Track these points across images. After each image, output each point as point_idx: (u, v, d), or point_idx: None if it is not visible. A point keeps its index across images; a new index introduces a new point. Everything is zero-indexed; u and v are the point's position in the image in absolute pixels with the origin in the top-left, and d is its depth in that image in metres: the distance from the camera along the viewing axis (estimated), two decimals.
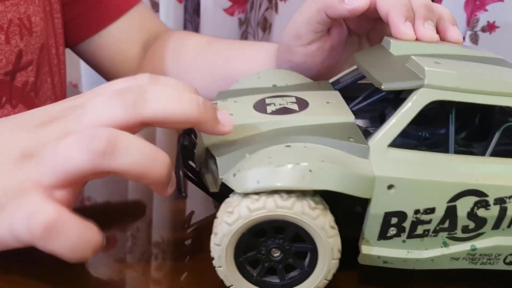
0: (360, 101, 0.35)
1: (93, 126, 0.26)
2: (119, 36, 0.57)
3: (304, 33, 0.41)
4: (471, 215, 0.28)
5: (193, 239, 0.35)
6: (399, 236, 0.28)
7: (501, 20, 0.77)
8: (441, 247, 0.29)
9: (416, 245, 0.29)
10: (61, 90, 0.56)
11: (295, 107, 0.33)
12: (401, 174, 0.27)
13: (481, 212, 0.28)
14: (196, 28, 0.96)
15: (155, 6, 0.93)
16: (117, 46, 0.58)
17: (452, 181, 0.27)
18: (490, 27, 0.78)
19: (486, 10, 0.78)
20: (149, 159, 0.25)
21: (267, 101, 0.34)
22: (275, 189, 0.26)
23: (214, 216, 0.28)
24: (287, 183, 0.26)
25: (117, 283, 0.31)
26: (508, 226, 0.29)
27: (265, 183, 0.26)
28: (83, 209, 0.38)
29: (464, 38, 0.82)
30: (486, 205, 0.28)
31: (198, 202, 0.39)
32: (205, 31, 0.89)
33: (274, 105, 0.33)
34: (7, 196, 0.25)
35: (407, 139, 0.32)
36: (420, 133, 0.32)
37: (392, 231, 0.28)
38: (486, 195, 0.28)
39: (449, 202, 0.27)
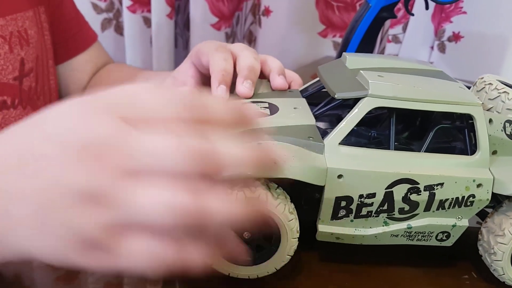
0: (321, 107, 0.40)
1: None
2: (79, 68, 0.68)
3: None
4: (406, 199, 0.34)
5: None
6: (348, 216, 0.35)
7: (465, 30, 0.84)
8: (383, 225, 0.35)
9: (362, 224, 0.35)
10: (55, 98, 0.63)
11: (267, 111, 0.38)
12: (348, 166, 0.33)
13: (413, 197, 0.34)
14: (186, 41, 1.02)
15: (147, 22, 0.99)
16: (75, 76, 0.68)
17: (389, 171, 0.34)
18: (456, 37, 0.85)
19: (451, 22, 0.84)
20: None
21: None
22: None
23: None
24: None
25: None
26: (438, 209, 0.35)
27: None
28: None
29: (432, 48, 0.88)
30: (417, 191, 0.34)
31: None
32: (195, 44, 0.95)
33: None
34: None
35: (360, 139, 0.38)
36: (370, 134, 0.38)
37: (342, 212, 0.34)
38: (418, 183, 0.34)
39: (387, 188, 0.34)
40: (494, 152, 0.36)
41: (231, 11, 0.95)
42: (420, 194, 0.34)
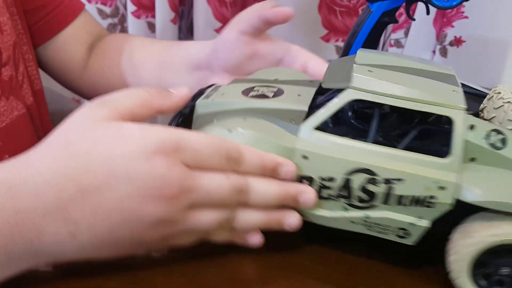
0: (323, 97, 0.41)
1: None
2: (70, 40, 0.65)
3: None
4: (363, 188, 0.35)
5: None
6: None
7: (467, 35, 0.84)
8: (342, 210, 0.37)
9: (324, 206, 0.37)
10: (38, 85, 0.61)
11: (271, 94, 0.41)
12: (313, 149, 0.36)
13: (371, 187, 0.35)
14: None
15: (151, 27, 1.00)
16: (68, 49, 0.65)
17: (349, 159, 0.35)
18: (457, 42, 0.85)
19: (452, 26, 0.84)
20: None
21: (255, 88, 0.42)
22: None
23: None
24: None
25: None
26: (397, 204, 0.35)
27: None
28: None
29: (434, 52, 0.88)
30: (375, 182, 0.35)
31: None
32: None
33: (257, 91, 0.42)
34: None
35: (352, 130, 0.39)
36: (362, 126, 0.40)
37: None
38: (376, 175, 0.35)
39: (345, 175, 0.35)
40: (473, 159, 0.35)
41: (234, 16, 0.96)
42: (378, 186, 0.35)
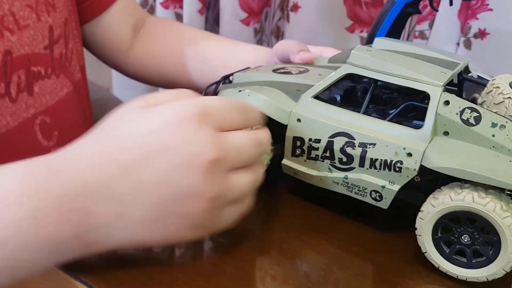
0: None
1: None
2: (115, 18, 0.66)
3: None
4: (343, 150, 0.40)
5: None
6: (302, 156, 0.42)
7: (491, 27, 0.84)
8: (327, 171, 0.41)
9: (312, 166, 0.42)
10: (82, 61, 0.63)
11: (295, 72, 0.47)
12: (306, 113, 0.41)
13: (349, 150, 0.39)
14: None
15: (179, 17, 1.02)
16: (113, 28, 0.67)
17: (333, 124, 0.40)
18: (482, 34, 0.85)
19: (477, 19, 0.85)
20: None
21: (286, 68, 0.49)
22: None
23: None
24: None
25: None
26: (370, 167, 0.39)
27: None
28: None
29: (458, 44, 0.89)
30: (352, 145, 0.39)
31: None
32: None
33: (286, 70, 0.48)
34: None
35: (350, 102, 0.44)
36: (360, 101, 0.44)
37: (298, 151, 0.42)
38: (354, 138, 0.39)
39: (329, 137, 0.40)
40: (446, 133, 0.37)
41: (260, 7, 0.98)
42: (355, 149, 0.39)
